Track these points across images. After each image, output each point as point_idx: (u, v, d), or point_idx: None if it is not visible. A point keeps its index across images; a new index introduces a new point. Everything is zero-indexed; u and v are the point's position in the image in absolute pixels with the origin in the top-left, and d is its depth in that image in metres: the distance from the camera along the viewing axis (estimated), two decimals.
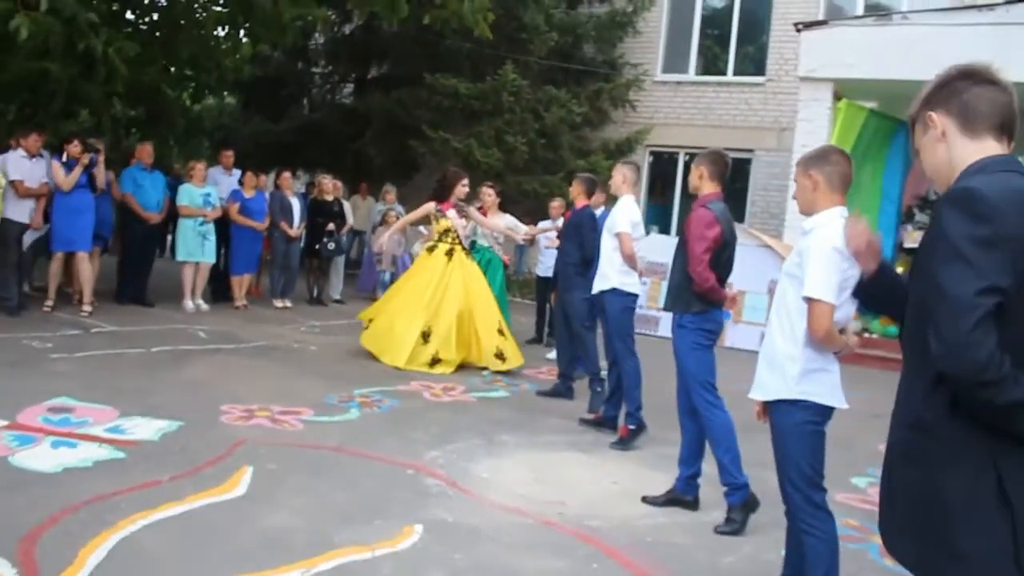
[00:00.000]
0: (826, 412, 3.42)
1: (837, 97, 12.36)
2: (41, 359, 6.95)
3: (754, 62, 16.30)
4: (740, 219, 15.87)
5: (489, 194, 9.92)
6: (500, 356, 8.31)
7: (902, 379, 1.99)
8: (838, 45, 11.59)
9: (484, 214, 9.50)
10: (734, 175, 16.19)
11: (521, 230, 10.24)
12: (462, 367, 8.31)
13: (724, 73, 16.46)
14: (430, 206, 8.60)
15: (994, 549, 1.78)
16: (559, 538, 4.25)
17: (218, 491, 4.38)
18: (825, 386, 3.41)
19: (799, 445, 3.38)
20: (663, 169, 16.65)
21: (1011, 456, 1.79)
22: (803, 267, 3.36)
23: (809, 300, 3.29)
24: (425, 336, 8.19)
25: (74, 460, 4.65)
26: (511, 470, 5.33)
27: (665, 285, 5.42)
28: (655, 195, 17.10)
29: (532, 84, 15.04)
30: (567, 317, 7.49)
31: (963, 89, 1.98)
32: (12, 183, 8.56)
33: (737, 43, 16.34)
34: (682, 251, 4.92)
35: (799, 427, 3.38)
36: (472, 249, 9.24)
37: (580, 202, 7.41)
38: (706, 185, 4.96)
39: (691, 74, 16.67)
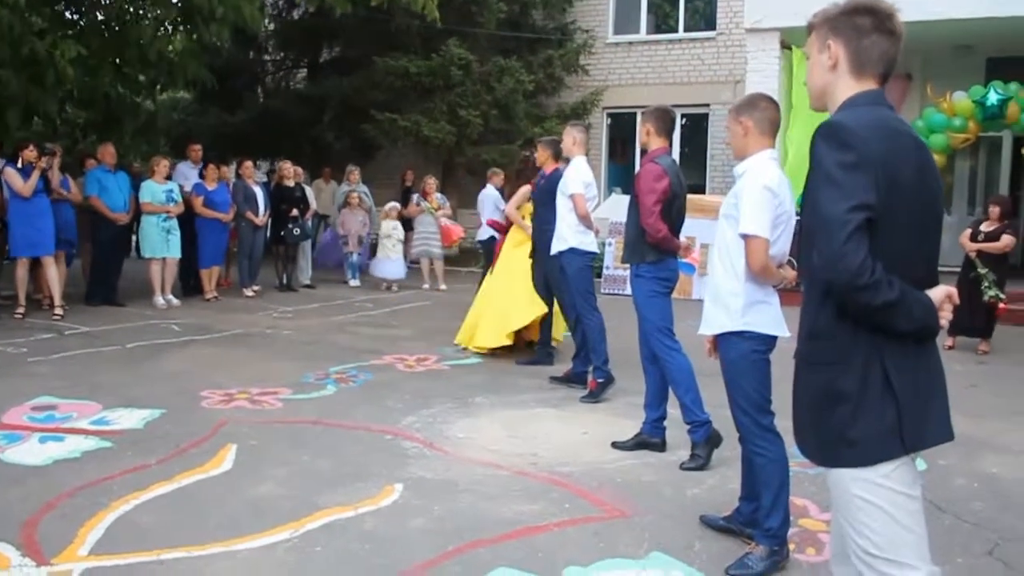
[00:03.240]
0: (769, 341, 3.66)
1: (785, 46, 12.60)
2: (18, 363, 7.06)
3: (704, 17, 16.51)
4: (701, 173, 16.16)
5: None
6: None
7: (802, 298, 2.23)
8: None
9: None
10: (693, 131, 16.57)
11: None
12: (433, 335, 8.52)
13: (675, 30, 16.67)
14: (527, 189, 8.02)
15: (882, 430, 2.05)
16: (533, 485, 4.48)
17: (205, 468, 4.58)
18: (767, 317, 3.65)
19: (746, 373, 3.62)
20: (622, 130, 16.86)
21: (893, 349, 2.05)
22: (738, 207, 3.58)
23: (745, 236, 3.51)
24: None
25: (63, 452, 4.82)
26: (485, 429, 5.55)
27: None
28: (615, 156, 17.33)
29: (482, 56, 15.13)
30: (548, 286, 7.42)
31: (864, 32, 2.18)
32: None
33: None
34: (634, 205, 5.13)
35: (745, 356, 3.62)
36: None
37: (549, 167, 7.36)
38: (654, 141, 5.15)
39: (642, 33, 16.86)
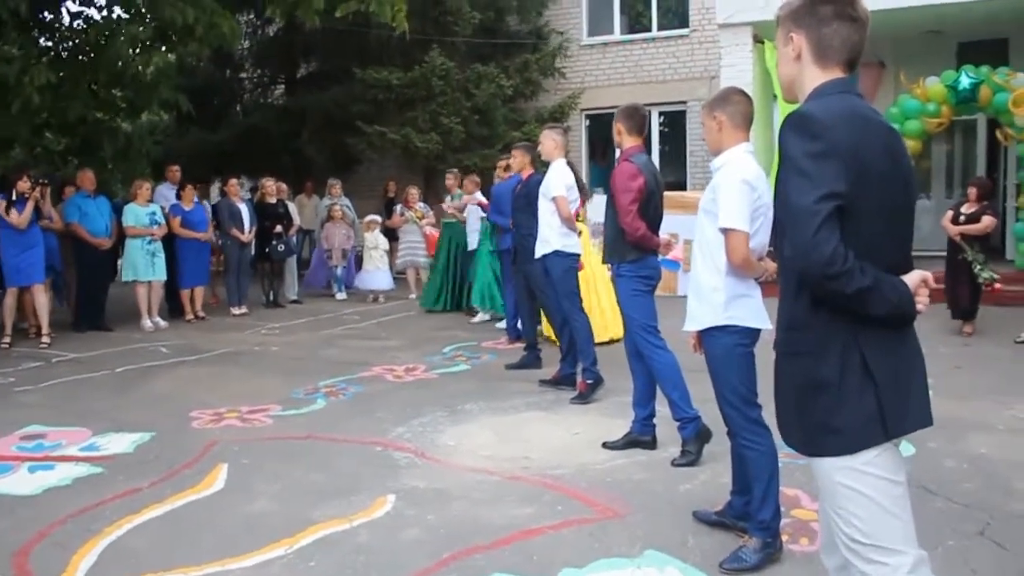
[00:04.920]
0: (753, 334, 3.69)
1: (758, 40, 12.68)
2: (6, 393, 7.03)
3: (677, 15, 16.58)
4: (681, 170, 16.22)
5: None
6: None
7: (779, 289, 2.25)
8: None
9: None
10: (671, 128, 16.62)
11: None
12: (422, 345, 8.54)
13: (649, 29, 16.73)
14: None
15: (863, 418, 2.06)
16: (525, 489, 4.49)
17: (197, 489, 4.57)
18: (749, 310, 3.67)
19: (732, 367, 3.64)
20: (601, 131, 16.89)
21: (870, 336, 2.07)
22: (716, 202, 3.60)
23: (725, 231, 3.53)
24: None
25: (53, 480, 4.80)
26: (476, 435, 5.56)
27: None
28: (596, 157, 17.37)
29: (460, 64, 15.17)
30: (531, 290, 7.48)
31: (824, 20, 2.19)
32: None
33: None
34: (611, 205, 5.15)
35: (730, 350, 3.64)
36: None
37: (527, 172, 7.44)
38: (627, 140, 5.18)
39: (616, 34, 16.93)
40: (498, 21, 16.12)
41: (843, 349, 2.06)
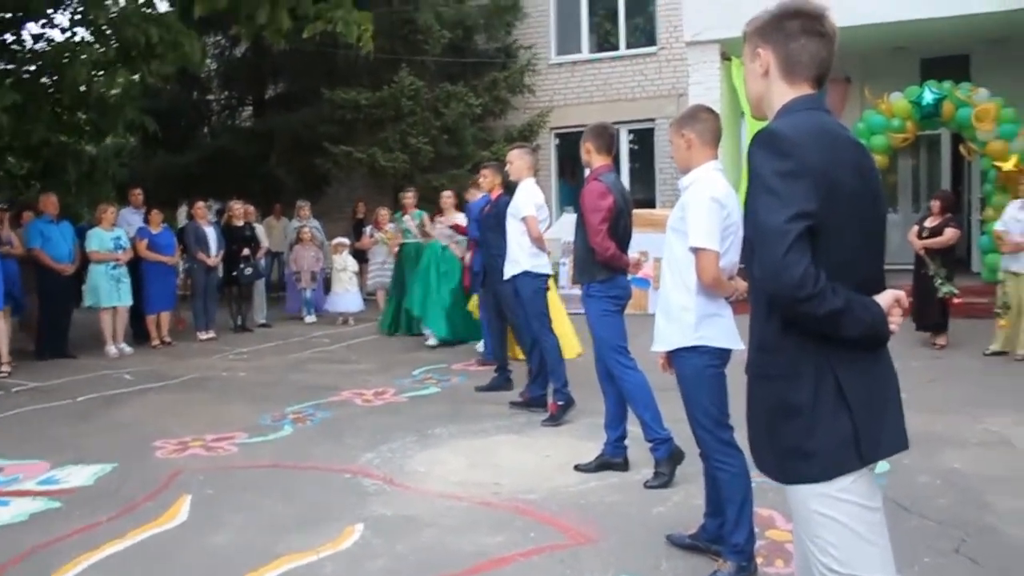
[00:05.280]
0: (724, 355, 3.63)
1: (726, 58, 12.75)
2: None
3: (644, 33, 16.66)
4: (650, 187, 16.25)
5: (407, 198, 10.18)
6: None
7: (750, 310, 2.19)
8: (720, 6, 11.91)
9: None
10: (640, 145, 16.66)
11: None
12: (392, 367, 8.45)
13: (617, 47, 16.79)
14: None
15: (837, 442, 1.99)
16: (496, 515, 4.41)
17: (158, 522, 4.43)
18: (720, 330, 3.62)
19: (703, 388, 3.59)
20: (570, 149, 16.89)
21: (843, 359, 2.00)
22: (686, 220, 3.56)
23: (695, 250, 3.48)
24: None
25: (7, 517, 4.64)
26: (446, 460, 5.46)
27: None
28: (566, 175, 17.37)
29: (429, 83, 15.14)
30: (500, 310, 7.42)
31: (792, 36, 2.15)
32: None
33: (626, 16, 16.70)
34: (581, 225, 5.10)
35: (700, 371, 3.58)
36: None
37: (495, 192, 7.37)
38: (595, 159, 5.14)
39: (585, 52, 16.97)
40: (466, 40, 16.11)
41: (816, 372, 2.00)
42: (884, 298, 2.02)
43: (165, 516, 4.51)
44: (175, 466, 5.44)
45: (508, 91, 16.10)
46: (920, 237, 8.89)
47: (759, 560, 3.60)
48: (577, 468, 5.11)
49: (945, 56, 12.85)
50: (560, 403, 6.32)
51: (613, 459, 5.07)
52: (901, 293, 2.05)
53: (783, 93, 2.16)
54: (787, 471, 2.07)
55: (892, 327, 2.02)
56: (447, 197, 10.22)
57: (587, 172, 5.22)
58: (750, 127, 12.22)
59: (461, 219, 9.77)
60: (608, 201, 4.97)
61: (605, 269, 4.99)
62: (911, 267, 9.12)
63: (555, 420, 6.26)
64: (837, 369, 2.00)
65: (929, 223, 8.93)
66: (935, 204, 9.08)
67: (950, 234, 8.75)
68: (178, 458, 5.64)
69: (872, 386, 2.04)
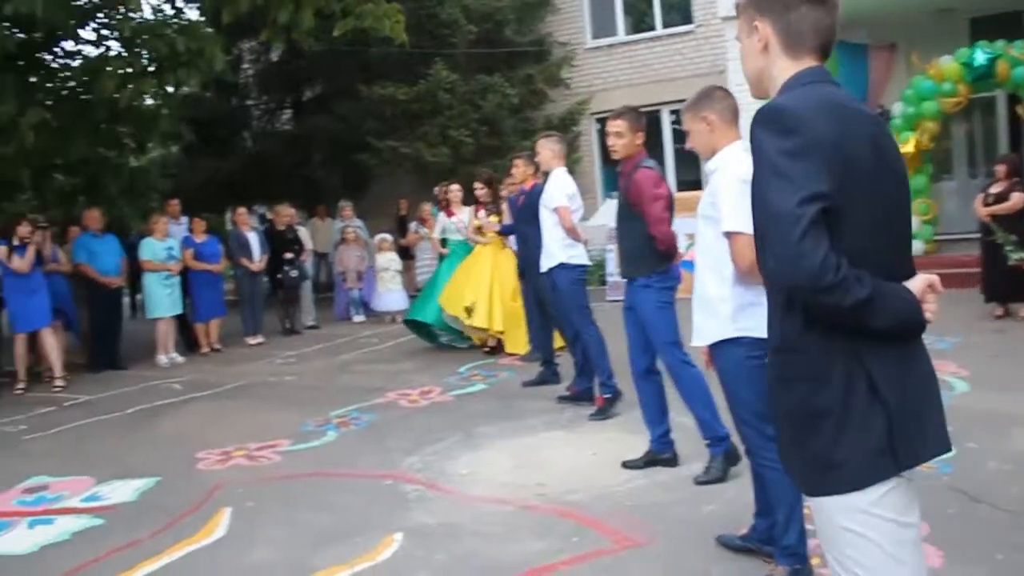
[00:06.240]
0: (765, 345, 3.41)
1: None
2: (14, 442, 6.89)
3: (680, 11, 16.30)
4: (695, 168, 15.90)
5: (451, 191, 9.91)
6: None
7: (768, 305, 1.99)
8: None
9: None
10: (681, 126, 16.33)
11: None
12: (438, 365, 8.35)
13: (653, 28, 16.46)
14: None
15: (870, 446, 1.78)
16: (539, 519, 4.26)
17: (197, 538, 4.36)
18: (760, 319, 3.34)
19: (744, 381, 3.39)
20: None
21: (875, 352, 1.79)
22: (716, 206, 3.36)
23: (729, 235, 3.28)
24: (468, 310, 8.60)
25: (52, 536, 4.62)
26: (491, 461, 5.33)
27: None
28: (609, 161, 17.11)
29: (464, 76, 15.00)
30: (541, 303, 7.27)
31: (790, 5, 1.95)
32: None
33: None
34: (631, 215, 4.83)
35: (741, 363, 3.39)
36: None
37: (530, 183, 7.19)
38: (634, 142, 4.90)
39: (621, 35, 16.67)
40: (497, 32, 15.93)
41: (846, 371, 1.79)
42: (915, 283, 1.81)
43: (203, 532, 4.44)
44: (217, 478, 5.38)
45: (545, 84, 15.89)
46: (985, 204, 8.54)
47: (814, 561, 3.38)
48: (625, 465, 4.93)
49: (995, 14, 12.30)
50: (607, 396, 6.14)
51: (660, 455, 4.88)
52: (934, 277, 1.83)
53: (785, 68, 1.96)
54: (813, 483, 1.86)
55: (928, 315, 1.81)
56: (455, 191, 9.87)
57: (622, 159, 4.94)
58: None
59: (466, 214, 9.59)
60: (664, 188, 4.79)
61: (664, 259, 4.78)
62: (970, 236, 8.75)
63: (602, 414, 6.08)
64: (869, 366, 1.78)
65: (995, 189, 8.57)
66: (1000, 169, 8.71)
67: (1017, 199, 8.38)
68: (220, 470, 5.59)
69: (909, 382, 1.82)
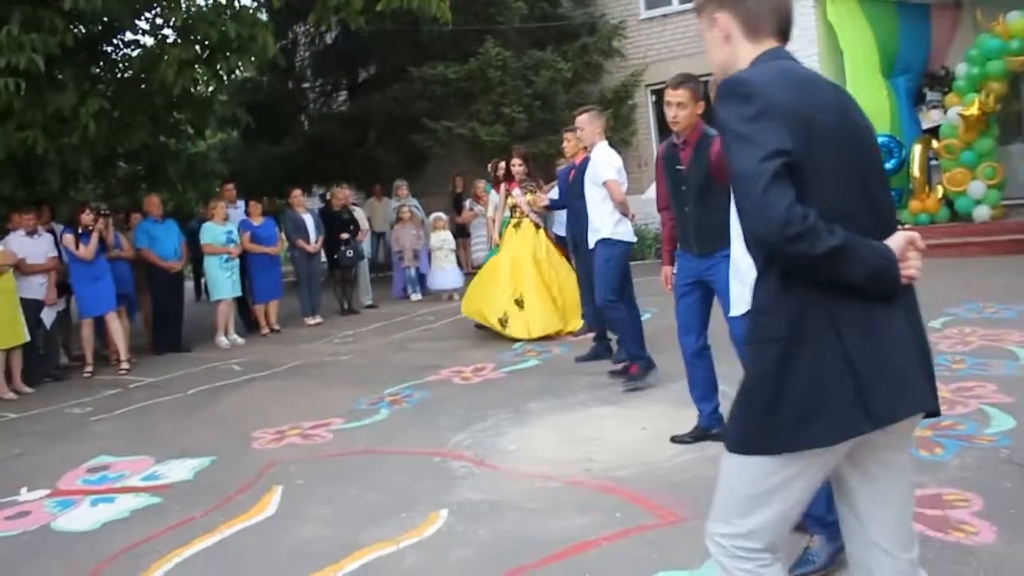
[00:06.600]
0: None
1: None
2: (81, 424, 7.11)
3: None
4: None
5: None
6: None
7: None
8: None
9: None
10: None
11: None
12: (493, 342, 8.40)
13: None
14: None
15: (839, 408, 1.83)
16: (584, 495, 4.24)
17: (248, 515, 4.45)
18: None
19: None
20: None
21: (847, 315, 1.84)
22: None
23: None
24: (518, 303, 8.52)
25: (112, 514, 4.76)
26: (539, 437, 5.33)
27: None
28: (665, 132, 16.88)
29: (516, 52, 14.90)
30: (592, 278, 7.22)
31: None
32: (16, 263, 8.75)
33: None
34: (709, 188, 4.47)
35: None
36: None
37: (580, 156, 7.12)
38: (695, 114, 4.58)
39: (675, 4, 16.38)
40: (551, 6, 15.79)
41: (817, 332, 1.84)
42: (895, 240, 1.85)
43: (254, 509, 4.53)
44: (271, 457, 5.48)
45: (600, 55, 15.71)
46: None
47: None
48: (674, 440, 4.89)
49: None
50: (641, 364, 6.08)
51: (710, 430, 4.82)
52: (915, 235, 1.87)
53: (749, 52, 2.05)
54: (779, 440, 1.89)
55: (912, 271, 1.85)
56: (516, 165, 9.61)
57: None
58: (851, 65, 11.58)
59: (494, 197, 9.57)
60: None
61: None
62: None
63: (636, 380, 6.03)
64: (840, 326, 1.83)
65: None
66: None
67: None
68: (274, 448, 5.69)
69: (880, 343, 1.85)
